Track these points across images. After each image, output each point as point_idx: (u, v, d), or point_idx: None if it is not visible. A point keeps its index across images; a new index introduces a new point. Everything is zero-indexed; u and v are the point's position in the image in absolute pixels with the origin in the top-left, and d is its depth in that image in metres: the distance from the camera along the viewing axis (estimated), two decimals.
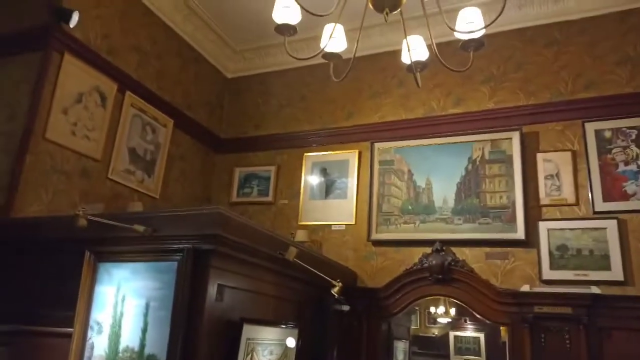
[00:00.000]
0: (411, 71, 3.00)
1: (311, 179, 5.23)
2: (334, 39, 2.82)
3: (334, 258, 4.53)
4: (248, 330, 2.75)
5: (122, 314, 2.66)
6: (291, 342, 3.25)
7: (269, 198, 5.34)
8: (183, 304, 2.54)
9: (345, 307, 3.88)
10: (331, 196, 5.09)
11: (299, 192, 5.21)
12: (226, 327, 2.70)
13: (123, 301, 2.68)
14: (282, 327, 3.20)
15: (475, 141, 4.62)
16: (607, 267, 3.79)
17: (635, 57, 4.27)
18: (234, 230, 2.76)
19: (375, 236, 4.70)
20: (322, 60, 2.69)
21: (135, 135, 4.65)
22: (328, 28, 2.87)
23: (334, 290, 3.10)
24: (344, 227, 4.91)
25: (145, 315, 2.62)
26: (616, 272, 3.77)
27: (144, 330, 2.62)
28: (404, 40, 2.94)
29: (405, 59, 2.97)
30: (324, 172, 5.21)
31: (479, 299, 4.05)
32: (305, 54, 2.83)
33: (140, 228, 2.67)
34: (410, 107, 5.06)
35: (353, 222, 4.89)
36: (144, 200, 4.60)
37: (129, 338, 2.62)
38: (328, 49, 2.82)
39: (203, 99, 5.76)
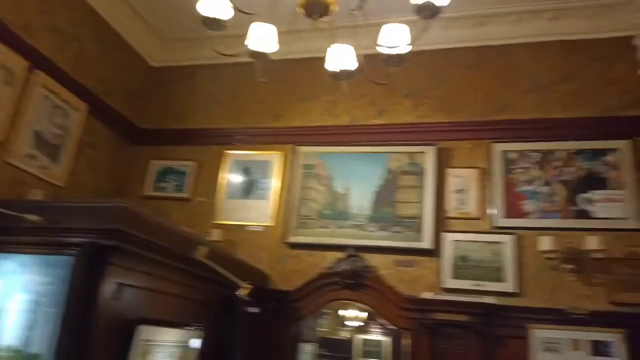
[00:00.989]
0: (335, 79, 3.05)
1: (232, 178, 5.15)
2: (262, 38, 2.80)
3: (248, 259, 4.49)
4: (144, 331, 2.64)
5: (3, 310, 2.46)
6: (194, 344, 3.17)
7: (186, 194, 5.19)
8: (75, 301, 2.41)
9: (255, 309, 3.85)
10: (251, 196, 5.04)
11: (218, 190, 5.11)
12: (121, 328, 2.59)
13: (7, 296, 2.48)
14: (185, 329, 3.11)
15: (395, 152, 4.78)
16: (503, 279, 4.07)
17: (543, 86, 4.61)
18: (139, 226, 2.66)
19: (291, 239, 4.72)
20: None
21: (43, 118, 4.33)
22: (255, 27, 2.85)
23: (241, 292, 3.06)
24: (261, 229, 4.87)
25: (33, 311, 2.45)
26: (510, 284, 4.04)
27: (30, 328, 2.45)
28: (331, 47, 2.99)
29: (330, 66, 3.01)
30: (246, 171, 5.16)
31: (385, 305, 4.19)
32: (236, 51, 2.80)
33: (33, 218, 2.49)
34: (337, 113, 5.14)
35: (271, 224, 4.87)
36: (48, 188, 4.30)
37: (11, 336, 2.43)
38: (254, 48, 2.80)
39: (123, 86, 5.50)
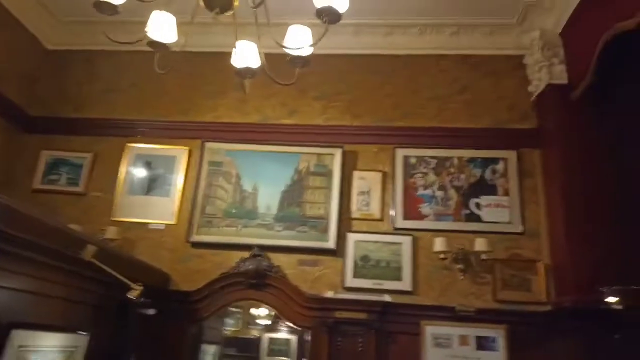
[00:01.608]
0: (240, 76, 3.00)
1: (132, 172, 4.90)
2: (162, 27, 2.69)
3: (149, 259, 4.30)
4: (20, 336, 2.43)
5: None
6: (81, 348, 2.97)
7: (80, 188, 4.85)
8: None
9: (151, 311, 3.69)
10: (153, 193, 4.82)
11: (117, 185, 4.84)
12: None
13: None
14: (69, 333, 2.90)
15: (303, 153, 4.82)
16: (399, 278, 4.26)
17: (443, 96, 4.89)
18: (17, 224, 2.43)
19: (195, 238, 4.59)
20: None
21: None
22: (155, 15, 2.73)
23: (132, 294, 2.91)
24: (163, 227, 4.68)
25: None
26: (406, 283, 4.25)
27: None
28: (236, 44, 2.93)
29: (235, 63, 2.96)
30: (148, 166, 4.93)
31: (288, 305, 4.21)
32: (136, 38, 2.65)
33: None
34: (246, 111, 5.07)
35: (174, 222, 4.70)
36: None
37: None
38: (153, 37, 2.68)
39: (15, 70, 5.03)
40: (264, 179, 4.78)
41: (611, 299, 3.18)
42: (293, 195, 4.71)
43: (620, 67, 3.81)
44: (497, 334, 3.98)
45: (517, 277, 4.19)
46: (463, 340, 4.00)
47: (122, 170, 4.88)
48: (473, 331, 4.02)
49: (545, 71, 4.49)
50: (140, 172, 4.89)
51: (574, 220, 3.97)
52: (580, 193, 3.99)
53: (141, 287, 2.92)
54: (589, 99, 4.15)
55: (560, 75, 4.43)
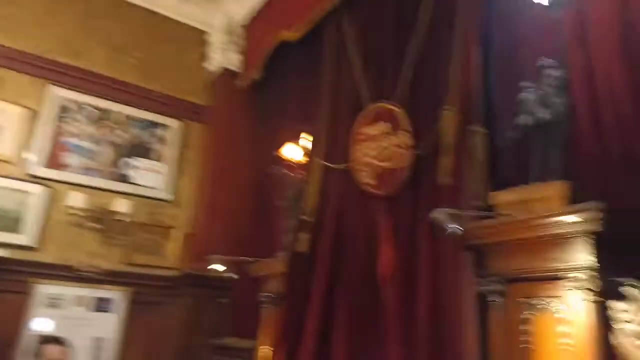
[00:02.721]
0: None
1: None
2: None
3: None
4: None
5: None
6: None
7: None
8: None
9: None
10: None
11: None
12: None
13: None
14: None
15: None
16: (17, 230, 3.73)
17: (120, 46, 4.51)
18: None
19: None
20: None
21: None
22: None
23: None
24: None
25: None
26: (27, 237, 3.75)
27: None
28: None
29: None
30: None
31: None
32: None
33: None
34: None
35: None
36: None
37: None
38: None
39: None
40: None
41: (216, 267, 3.55)
42: None
43: (283, 69, 4.32)
44: (119, 296, 3.94)
45: (152, 242, 4.25)
46: (79, 301, 3.80)
47: None
48: (94, 292, 3.87)
49: (224, 55, 4.73)
50: None
51: (216, 195, 4.29)
52: (227, 172, 4.36)
53: None
54: (253, 91, 4.59)
55: (235, 62, 4.73)
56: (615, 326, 1.52)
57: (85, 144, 4.18)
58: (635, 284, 1.53)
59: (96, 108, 4.30)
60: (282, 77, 4.31)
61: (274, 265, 3.20)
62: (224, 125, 4.49)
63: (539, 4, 1.88)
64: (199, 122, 4.73)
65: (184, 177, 4.55)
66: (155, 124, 4.53)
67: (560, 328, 1.61)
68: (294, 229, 3.10)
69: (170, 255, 4.28)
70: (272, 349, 2.95)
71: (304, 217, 3.06)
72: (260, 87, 4.60)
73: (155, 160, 4.46)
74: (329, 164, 3.07)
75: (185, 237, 4.35)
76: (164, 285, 4.13)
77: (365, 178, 2.76)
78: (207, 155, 4.48)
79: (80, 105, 4.24)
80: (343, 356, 2.41)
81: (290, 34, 3.88)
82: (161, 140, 4.53)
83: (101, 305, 3.87)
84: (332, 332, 2.58)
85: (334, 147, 3.13)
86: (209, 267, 3.75)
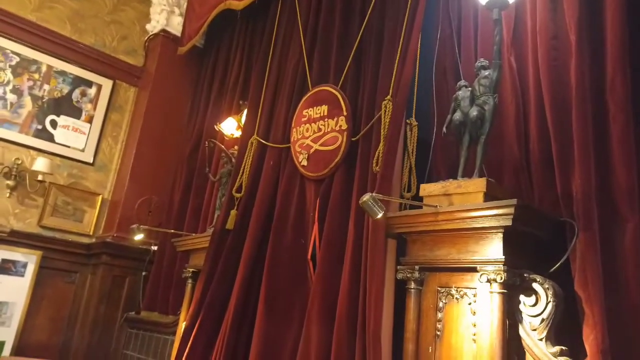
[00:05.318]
0: None
1: None
2: None
3: None
4: None
5: None
6: None
7: None
8: None
9: None
10: None
11: None
12: None
13: None
14: None
15: None
16: None
17: None
18: None
19: None
20: None
21: None
22: None
23: None
24: None
25: None
26: None
27: None
28: None
29: None
30: None
31: None
32: None
33: None
34: None
35: None
36: None
37: None
38: None
39: None
40: None
41: (138, 238, 3.41)
42: None
43: (226, 40, 4.18)
44: (29, 259, 3.70)
45: (71, 206, 4.02)
46: None
47: None
48: (1, 253, 3.60)
49: (165, 16, 4.51)
50: None
51: (144, 163, 4.11)
52: (158, 140, 4.19)
53: None
54: (193, 58, 4.41)
55: (176, 26, 4.53)
56: (520, 319, 1.62)
57: (4, 94, 3.85)
58: (539, 279, 1.64)
59: (19, 55, 3.96)
60: (225, 48, 4.18)
61: (201, 240, 3.12)
62: (158, 91, 4.28)
63: (479, 3, 1.93)
64: (132, 84, 4.50)
65: (111, 141, 4.33)
66: (84, 81, 4.25)
67: (470, 318, 1.69)
68: (225, 205, 3.04)
69: (89, 222, 4.07)
70: (193, 324, 2.89)
71: (236, 194, 3.00)
72: (201, 55, 4.44)
73: (81, 120, 4.19)
74: (266, 142, 3.02)
75: (107, 204, 4.15)
76: (79, 252, 3.93)
77: (300, 159, 2.74)
78: (138, 121, 4.27)
79: (3, 50, 3.89)
80: (263, 334, 2.40)
81: (235, 2, 3.76)
82: (89, 99, 4.26)
83: (9, 268, 3.62)
84: (254, 311, 2.56)
85: (272, 125, 3.08)
86: (130, 237, 3.59)
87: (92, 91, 4.28)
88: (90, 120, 4.24)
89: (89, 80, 4.27)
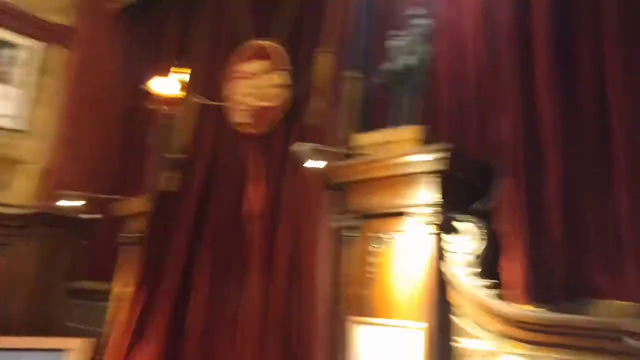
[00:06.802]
0: None
1: None
2: None
3: None
4: None
5: None
6: None
7: None
8: None
9: None
10: None
11: None
12: None
13: None
14: None
15: None
16: None
17: None
18: None
19: None
20: None
21: None
22: None
23: None
24: None
25: None
26: None
27: None
28: None
29: None
30: None
31: None
32: None
33: None
34: None
35: None
36: None
37: None
38: None
39: None
40: None
41: (74, 205, 3.26)
42: None
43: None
44: None
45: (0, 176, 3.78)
46: None
47: None
48: None
49: None
50: None
51: (77, 127, 3.90)
52: (91, 102, 3.97)
53: None
54: (127, 16, 4.18)
55: None
56: (445, 256, 1.67)
57: None
58: (468, 218, 1.69)
59: None
60: (160, 5, 3.97)
61: (138, 204, 3.02)
62: (90, 51, 4.04)
63: None
64: (62, 45, 4.20)
65: (41, 106, 4.06)
66: (8, 44, 3.94)
67: (402, 260, 1.73)
68: (163, 167, 2.94)
69: (21, 192, 3.84)
70: (131, 288, 2.83)
71: (174, 155, 2.91)
72: (136, 13, 4.21)
73: (7, 84, 3.91)
74: (204, 101, 2.92)
75: (40, 172, 3.93)
76: (12, 225, 3.72)
77: (240, 117, 2.68)
78: (69, 83, 4.01)
79: None
80: (205, 290, 2.39)
81: None
82: (16, 62, 3.97)
83: None
84: (195, 268, 2.54)
85: (210, 83, 2.98)
86: (66, 205, 3.43)
87: (18, 54, 3.98)
88: (18, 85, 3.96)
89: (15, 43, 3.96)
